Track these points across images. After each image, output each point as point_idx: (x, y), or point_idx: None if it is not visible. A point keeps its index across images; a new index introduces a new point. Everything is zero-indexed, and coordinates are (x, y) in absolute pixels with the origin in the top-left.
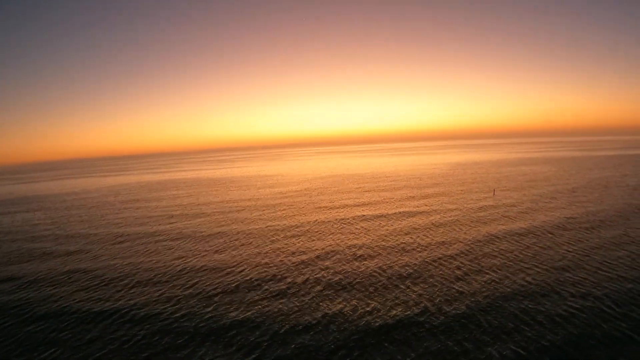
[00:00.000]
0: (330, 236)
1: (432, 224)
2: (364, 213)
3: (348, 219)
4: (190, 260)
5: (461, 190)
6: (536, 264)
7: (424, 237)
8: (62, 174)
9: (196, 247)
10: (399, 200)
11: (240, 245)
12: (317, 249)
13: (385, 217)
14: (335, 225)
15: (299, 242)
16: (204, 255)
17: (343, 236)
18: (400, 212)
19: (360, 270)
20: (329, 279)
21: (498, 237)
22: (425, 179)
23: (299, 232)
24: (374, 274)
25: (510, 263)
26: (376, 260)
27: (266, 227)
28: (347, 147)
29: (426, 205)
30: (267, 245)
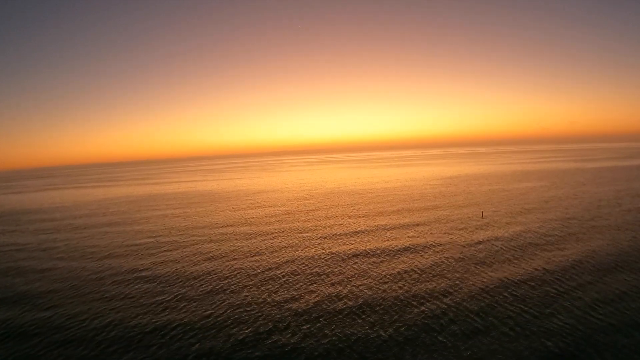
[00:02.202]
0: (313, 279)
1: (419, 267)
2: (350, 248)
3: (333, 255)
4: (165, 312)
5: (452, 216)
6: (526, 320)
7: (410, 285)
8: (53, 183)
9: (173, 290)
10: (388, 230)
11: (217, 292)
12: (298, 300)
13: (372, 254)
14: (319, 265)
15: (278, 290)
16: (179, 304)
17: (325, 281)
18: (388, 248)
19: (341, 331)
20: (309, 349)
21: (485, 288)
22: (415, 200)
23: (280, 273)
24: (356, 341)
25: (497, 326)
26: (359, 320)
27: (248, 264)
28: (340, 155)
29: (416, 238)
30: (245, 293)
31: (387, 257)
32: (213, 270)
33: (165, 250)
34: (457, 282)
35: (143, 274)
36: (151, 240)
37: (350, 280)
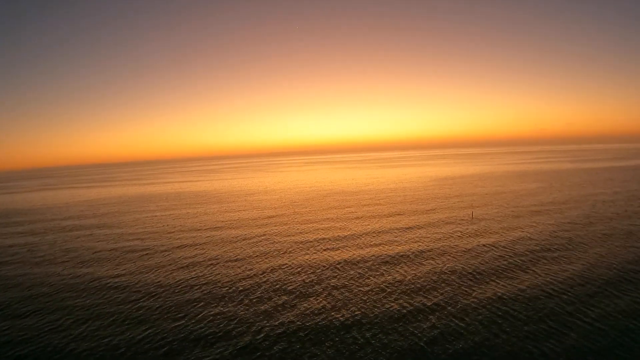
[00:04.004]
0: (295, 289)
1: (406, 278)
2: (336, 255)
3: (317, 263)
4: (135, 324)
5: (445, 220)
6: (521, 342)
7: (394, 298)
8: (49, 184)
9: (148, 300)
10: (378, 235)
11: (193, 302)
12: (276, 313)
13: (358, 262)
14: (303, 272)
15: (258, 301)
16: (152, 316)
17: (307, 291)
18: (376, 256)
19: (319, 351)
20: None
21: (474, 304)
22: (408, 203)
23: (263, 281)
24: None
25: (488, 348)
26: (339, 337)
27: (229, 272)
28: (338, 156)
29: (406, 244)
30: (222, 303)
31: (373, 266)
32: (193, 278)
33: (147, 255)
34: (444, 296)
35: (120, 281)
36: (135, 243)
37: (333, 292)
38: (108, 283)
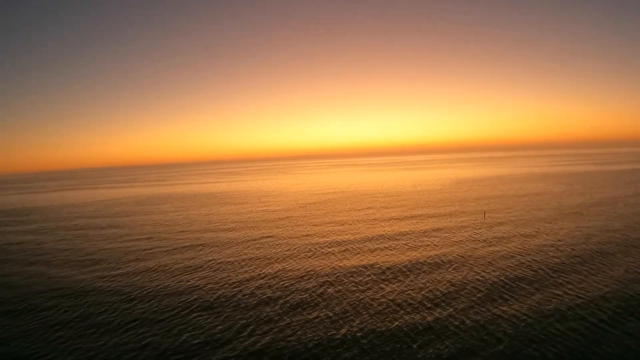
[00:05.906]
0: (299, 299)
1: (414, 291)
2: (344, 262)
3: (321, 270)
4: (116, 334)
5: (459, 223)
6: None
7: (403, 314)
8: (69, 185)
9: (137, 307)
10: (390, 238)
11: (186, 309)
12: (278, 328)
13: (364, 269)
14: (304, 280)
15: (259, 315)
16: (139, 323)
17: (306, 298)
18: (384, 263)
19: None
20: None
21: (496, 326)
22: (424, 206)
23: (260, 285)
24: None
25: None
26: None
27: (233, 277)
28: (356, 159)
29: (417, 250)
30: (218, 311)
31: (380, 273)
32: (190, 281)
33: (148, 256)
34: (455, 308)
35: (116, 282)
36: (139, 243)
37: (332, 301)
38: (103, 284)
